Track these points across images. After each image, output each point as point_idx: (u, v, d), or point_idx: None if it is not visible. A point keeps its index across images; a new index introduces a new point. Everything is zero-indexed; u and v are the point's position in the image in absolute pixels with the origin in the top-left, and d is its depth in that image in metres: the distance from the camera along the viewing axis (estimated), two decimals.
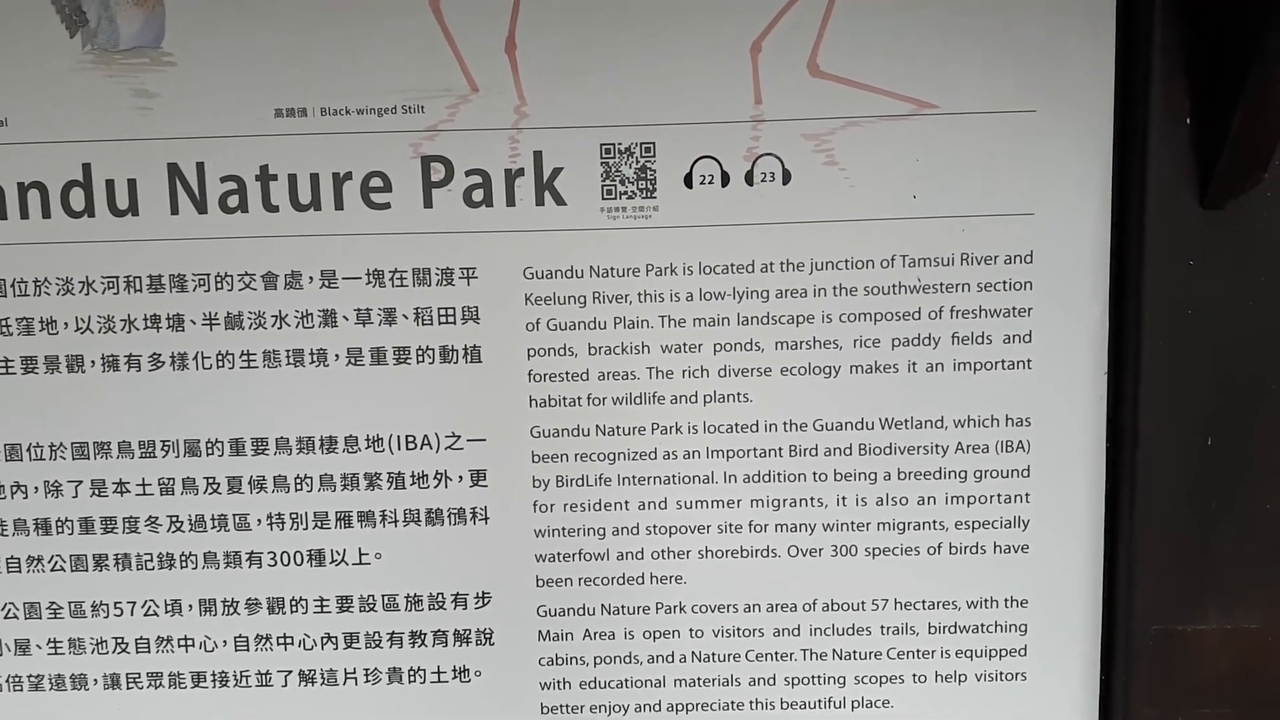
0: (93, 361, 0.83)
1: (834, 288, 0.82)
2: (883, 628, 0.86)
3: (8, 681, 0.87)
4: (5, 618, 0.87)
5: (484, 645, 0.87)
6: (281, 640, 0.87)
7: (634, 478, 0.84)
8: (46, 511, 0.85)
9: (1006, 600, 0.86)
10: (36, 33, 0.79)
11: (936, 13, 0.79)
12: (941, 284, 0.82)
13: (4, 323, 0.83)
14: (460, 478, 0.85)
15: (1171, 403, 0.81)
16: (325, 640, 0.87)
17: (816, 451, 0.84)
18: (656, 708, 0.88)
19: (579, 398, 0.83)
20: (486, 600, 0.86)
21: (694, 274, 0.82)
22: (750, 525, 0.85)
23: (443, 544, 0.85)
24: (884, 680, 0.87)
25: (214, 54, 0.80)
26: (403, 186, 0.81)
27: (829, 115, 0.80)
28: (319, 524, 0.85)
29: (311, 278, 0.82)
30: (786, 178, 0.81)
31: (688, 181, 0.81)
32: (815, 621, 0.86)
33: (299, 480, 0.85)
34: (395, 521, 0.85)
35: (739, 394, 0.83)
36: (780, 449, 0.84)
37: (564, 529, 0.85)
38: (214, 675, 0.88)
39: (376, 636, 0.87)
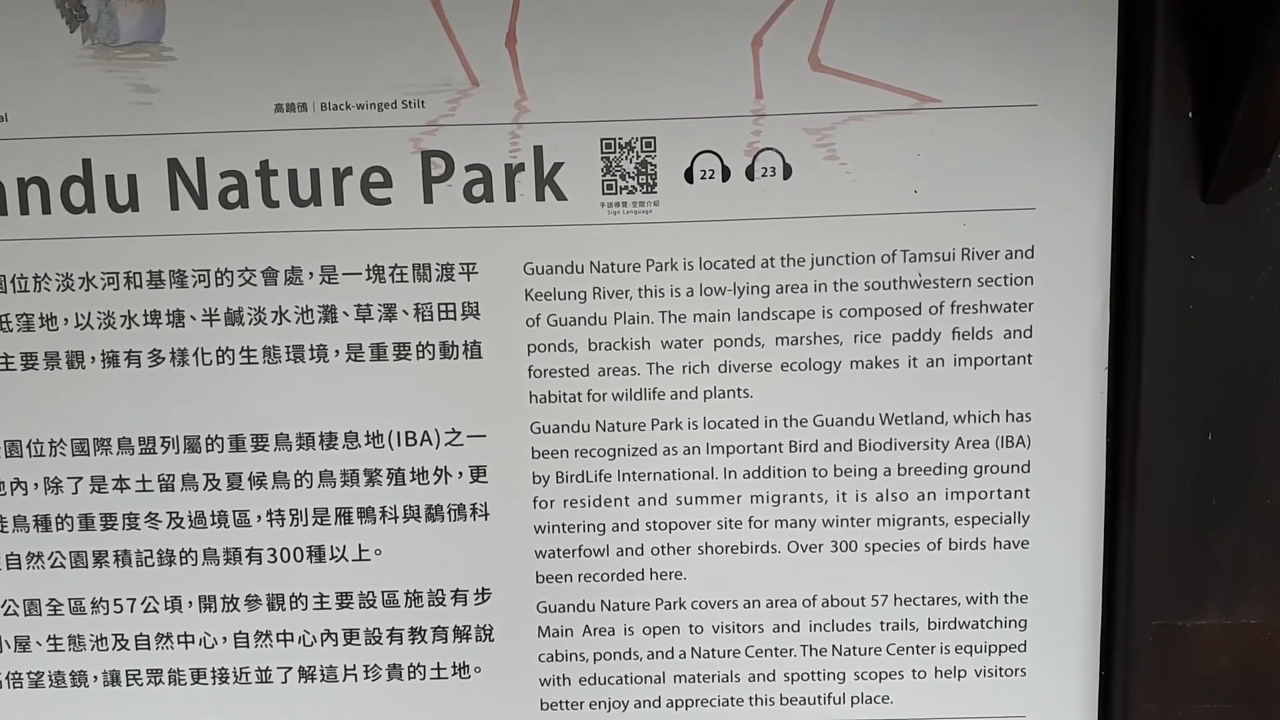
0: (93, 357, 0.83)
1: (835, 283, 0.82)
2: (882, 623, 0.86)
3: (7, 678, 0.87)
4: (5, 614, 0.87)
5: (484, 641, 0.87)
6: (281, 637, 0.87)
7: (634, 473, 0.84)
8: (46, 508, 0.85)
9: (1006, 596, 0.86)
10: (36, 27, 0.79)
11: (938, 7, 0.79)
12: (942, 279, 0.82)
13: (4, 319, 0.83)
14: (460, 474, 0.85)
15: (1172, 398, 0.81)
16: (325, 636, 0.87)
17: (816, 447, 0.84)
18: (656, 704, 0.88)
19: (579, 393, 0.83)
20: (486, 596, 0.86)
21: (694, 269, 0.82)
22: (750, 521, 0.85)
23: (443, 540, 0.85)
24: (883, 676, 0.87)
25: (214, 49, 0.80)
26: (403, 182, 0.81)
27: (830, 110, 0.80)
28: (319, 520, 0.85)
29: (312, 273, 0.82)
30: (787, 172, 0.81)
31: (688, 176, 0.81)
32: (815, 617, 0.86)
33: (299, 476, 0.85)
34: (395, 518, 0.85)
35: (739, 389, 0.83)
36: (780, 444, 0.84)
37: (564, 525, 0.85)
38: (214, 672, 0.87)
39: (376, 633, 0.87)
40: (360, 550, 0.86)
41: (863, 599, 0.86)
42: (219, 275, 0.82)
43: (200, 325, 0.83)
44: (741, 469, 0.84)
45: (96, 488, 0.85)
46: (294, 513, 0.85)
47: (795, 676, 0.87)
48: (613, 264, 0.82)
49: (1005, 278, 0.82)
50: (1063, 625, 0.86)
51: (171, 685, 0.88)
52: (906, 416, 0.84)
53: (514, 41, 0.80)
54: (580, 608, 0.86)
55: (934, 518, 0.85)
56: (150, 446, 0.84)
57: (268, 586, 0.86)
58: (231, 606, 0.86)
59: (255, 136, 0.81)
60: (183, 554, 0.86)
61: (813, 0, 0.79)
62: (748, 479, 0.84)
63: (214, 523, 0.85)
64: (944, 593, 0.86)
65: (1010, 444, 0.84)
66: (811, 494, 0.84)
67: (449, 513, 0.85)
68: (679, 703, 0.88)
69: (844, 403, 0.83)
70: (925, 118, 0.80)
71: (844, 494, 0.84)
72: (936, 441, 0.84)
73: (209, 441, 0.84)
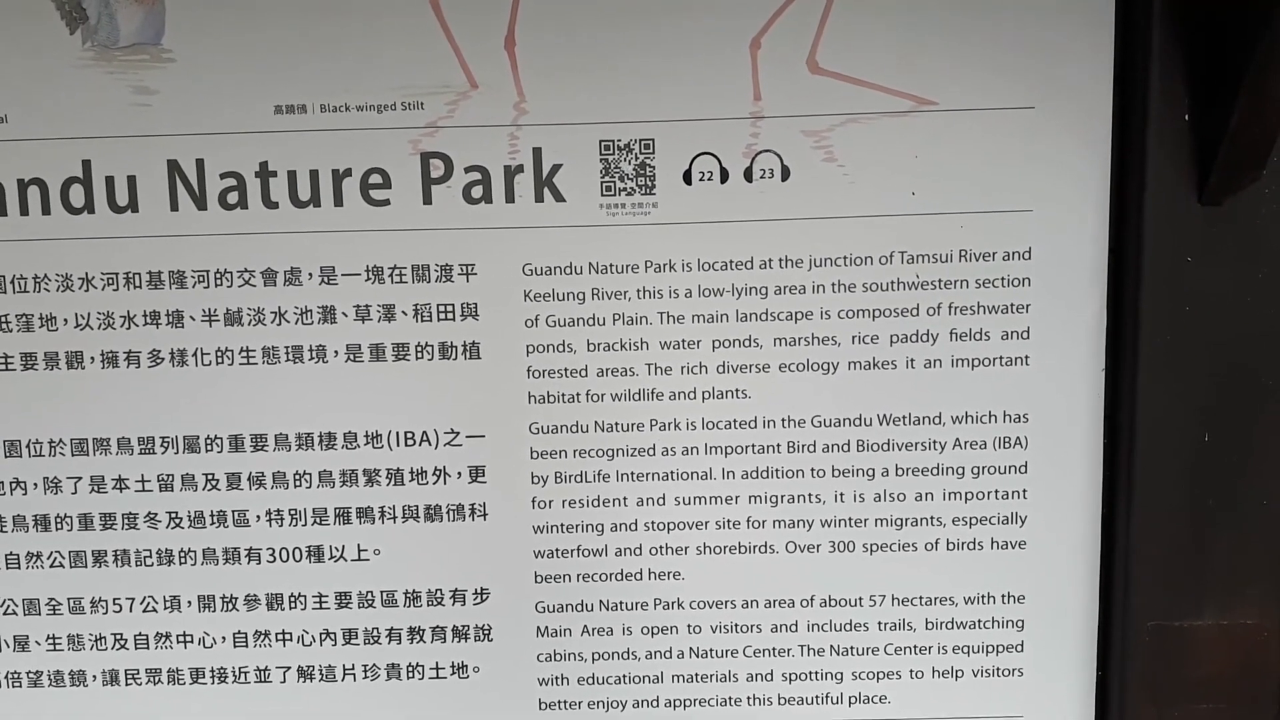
0: (92, 358, 0.83)
1: (832, 284, 0.82)
2: (880, 624, 0.86)
3: (6, 678, 0.88)
4: (4, 614, 0.87)
5: (482, 641, 0.87)
6: (280, 636, 0.87)
7: (632, 474, 0.84)
8: (46, 508, 0.85)
9: (1004, 596, 0.86)
10: (36, 29, 0.79)
11: (936, 9, 0.79)
12: (940, 280, 0.82)
13: (3, 319, 0.83)
14: (459, 474, 0.85)
15: (1169, 399, 0.81)
16: (324, 636, 0.87)
17: (814, 448, 0.84)
18: (654, 704, 0.88)
19: (578, 394, 0.83)
20: (485, 596, 0.86)
21: (693, 270, 0.82)
22: (748, 521, 0.85)
23: (441, 540, 0.85)
24: (881, 676, 0.87)
25: (214, 51, 0.80)
26: (402, 183, 0.81)
27: (828, 112, 0.80)
28: (318, 520, 0.85)
29: (311, 274, 0.82)
30: (785, 174, 0.81)
31: (687, 178, 0.81)
32: (813, 617, 0.86)
33: (298, 476, 0.85)
34: (394, 518, 0.85)
35: (737, 390, 0.83)
36: (778, 445, 0.84)
37: (562, 525, 0.85)
38: (212, 671, 0.88)
39: (375, 633, 0.87)
40: (359, 550, 0.86)
41: (860, 599, 0.86)
42: (218, 276, 0.82)
43: (199, 326, 0.83)
44: (740, 469, 0.84)
45: (96, 488, 0.85)
46: (293, 513, 0.85)
47: (793, 676, 0.87)
48: (611, 265, 0.82)
49: (1003, 279, 0.82)
50: (1060, 625, 0.86)
51: (170, 685, 0.88)
52: (904, 417, 0.84)
53: (513, 44, 0.80)
54: (579, 608, 0.86)
55: (932, 518, 0.85)
56: (149, 446, 0.84)
57: (267, 586, 0.86)
58: (230, 606, 0.87)
59: (255, 138, 0.81)
60: (182, 554, 0.86)
61: (811, 3, 0.79)
62: (746, 479, 0.84)
63: (213, 523, 0.85)
64: (941, 593, 0.86)
65: (1008, 445, 0.84)
66: (809, 494, 0.85)
67: (448, 513, 0.85)
68: (677, 702, 0.88)
69: (842, 404, 0.83)
70: (923, 120, 0.80)
71: (842, 494, 0.85)
72: (934, 442, 0.84)
73: (208, 442, 0.84)
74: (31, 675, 0.88)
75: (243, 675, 0.88)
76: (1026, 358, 0.83)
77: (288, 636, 0.87)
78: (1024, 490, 0.84)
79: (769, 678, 0.87)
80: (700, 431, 0.84)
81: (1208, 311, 0.80)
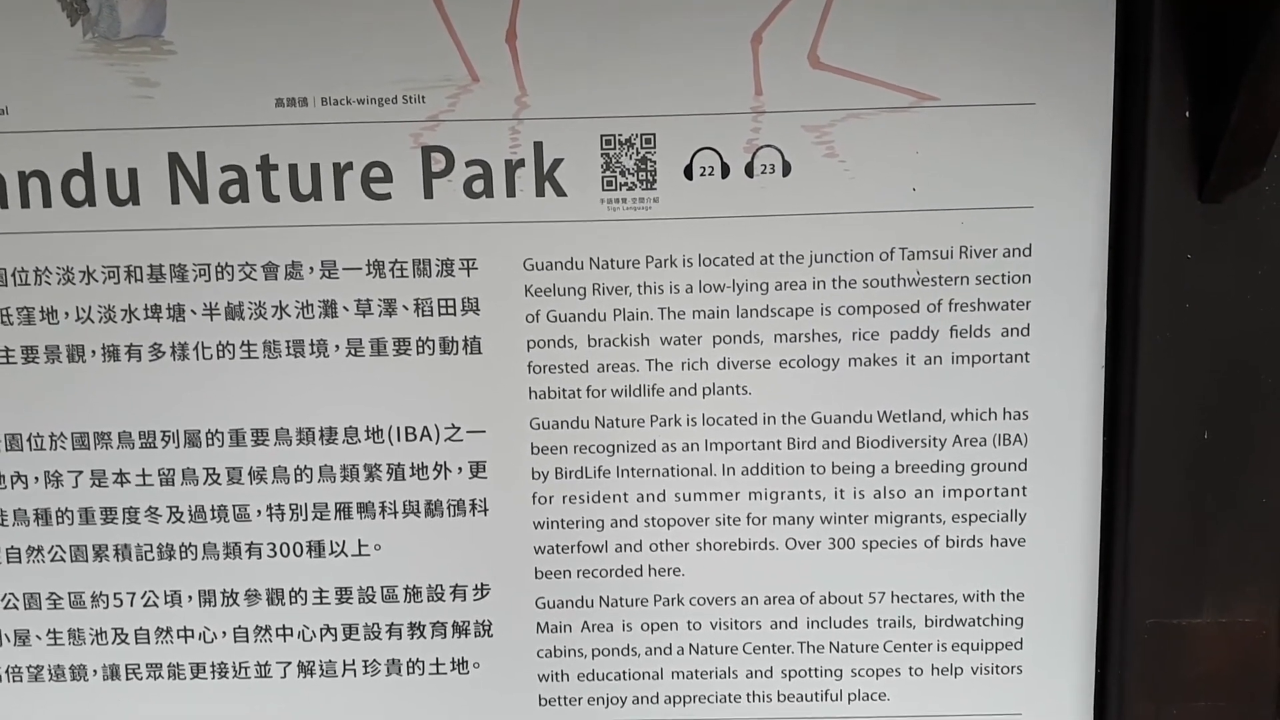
0: (93, 351, 0.83)
1: (833, 280, 0.82)
2: (879, 620, 0.86)
3: (7, 672, 0.88)
4: (5, 608, 0.87)
5: (483, 637, 0.87)
6: (281, 631, 0.87)
7: (633, 470, 0.84)
8: (46, 502, 0.85)
9: (1003, 593, 0.86)
10: (37, 21, 0.79)
11: (937, 5, 0.79)
12: (940, 277, 0.82)
13: (4, 312, 0.83)
14: (460, 469, 0.85)
15: (1169, 397, 0.81)
16: (324, 631, 0.87)
17: (814, 444, 0.84)
18: (654, 699, 0.88)
19: (578, 389, 0.84)
20: (485, 592, 0.86)
21: (694, 266, 0.82)
22: (748, 518, 0.85)
23: (442, 535, 0.86)
24: (880, 673, 0.87)
25: (215, 43, 0.80)
26: (403, 177, 0.81)
27: (829, 107, 0.80)
28: (318, 515, 0.85)
29: (312, 268, 0.82)
30: (786, 169, 0.81)
31: (688, 173, 0.81)
32: (812, 614, 0.86)
33: (299, 471, 0.85)
34: (395, 513, 0.85)
35: (738, 386, 0.83)
36: (778, 441, 0.84)
37: (563, 521, 0.85)
38: (213, 666, 0.88)
39: (375, 628, 0.87)
40: (360, 545, 0.86)
41: (860, 596, 0.86)
42: (219, 269, 0.82)
43: (200, 319, 0.83)
44: (740, 466, 0.84)
45: (97, 482, 0.85)
46: (294, 507, 0.85)
47: (793, 673, 0.87)
48: (612, 260, 0.82)
49: (1003, 276, 0.82)
50: (1059, 623, 0.86)
51: (171, 679, 0.88)
52: (904, 414, 0.84)
53: (514, 38, 0.80)
54: (579, 604, 0.86)
55: (931, 515, 0.85)
56: (150, 441, 0.84)
57: (267, 581, 0.86)
58: (231, 601, 0.87)
59: (256, 131, 0.81)
60: (183, 548, 0.86)
61: None
62: (746, 476, 0.84)
63: (214, 517, 0.85)
64: (941, 590, 0.86)
65: (1007, 442, 0.84)
66: (809, 491, 0.85)
67: (448, 508, 0.85)
68: (677, 699, 0.88)
69: (842, 400, 0.83)
70: (924, 116, 0.80)
71: (842, 491, 0.85)
72: (934, 439, 0.84)
73: (209, 436, 0.84)
74: (32, 670, 0.88)
75: (243, 670, 0.88)
76: (1026, 354, 0.83)
77: (288, 631, 0.87)
78: (1023, 487, 0.84)
79: (768, 674, 0.87)
80: (700, 427, 0.84)
81: (1208, 309, 0.80)
